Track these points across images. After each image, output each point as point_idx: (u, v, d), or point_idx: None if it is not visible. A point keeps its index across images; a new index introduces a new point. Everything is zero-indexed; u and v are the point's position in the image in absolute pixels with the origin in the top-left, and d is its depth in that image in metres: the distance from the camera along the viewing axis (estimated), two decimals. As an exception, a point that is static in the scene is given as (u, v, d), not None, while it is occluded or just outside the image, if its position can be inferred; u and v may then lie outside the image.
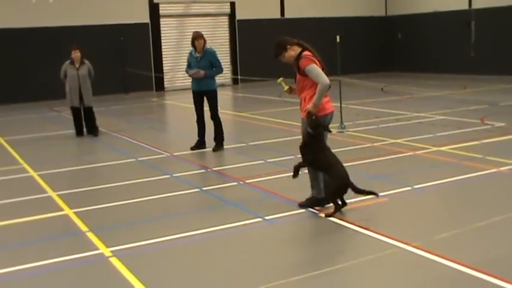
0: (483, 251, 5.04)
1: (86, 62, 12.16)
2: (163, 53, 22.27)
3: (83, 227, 6.09)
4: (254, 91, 20.44)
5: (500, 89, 17.56)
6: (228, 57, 23.17)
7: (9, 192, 7.77)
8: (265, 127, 12.41)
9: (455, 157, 8.60)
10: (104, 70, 18.67)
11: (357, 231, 5.63)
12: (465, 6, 22.89)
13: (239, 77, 22.99)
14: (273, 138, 10.84)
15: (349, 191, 6.13)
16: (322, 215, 6.12)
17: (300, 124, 6.53)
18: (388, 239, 5.31)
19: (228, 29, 23.52)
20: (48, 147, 11.28)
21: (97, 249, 5.44)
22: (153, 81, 22.03)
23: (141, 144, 10.92)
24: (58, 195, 7.43)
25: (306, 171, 6.47)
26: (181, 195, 7.26)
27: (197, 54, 9.70)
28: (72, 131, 12.37)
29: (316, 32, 22.33)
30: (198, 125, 10.09)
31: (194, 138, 10.13)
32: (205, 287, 4.57)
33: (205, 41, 9.69)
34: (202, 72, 9.61)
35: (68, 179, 8.59)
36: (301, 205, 6.39)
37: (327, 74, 6.16)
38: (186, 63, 10.08)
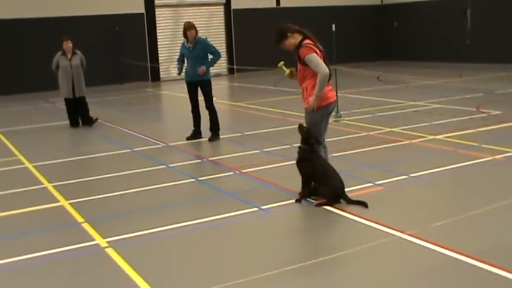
0: (479, 238, 5.05)
1: (78, 52, 12.10)
2: (158, 43, 22.17)
3: (79, 218, 6.08)
4: (250, 81, 20.39)
5: (496, 77, 17.54)
6: (224, 47, 23.07)
7: (4, 183, 7.74)
8: (261, 117, 12.38)
9: (451, 145, 8.60)
10: (99, 61, 18.64)
11: (353, 220, 5.63)
12: (461, -6, 22.86)
13: (235, 67, 22.91)
14: (269, 128, 10.81)
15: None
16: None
17: (302, 114, 6.43)
18: (385, 228, 5.31)
19: (223, 18, 23.42)
20: (43, 139, 11.24)
21: (93, 240, 5.43)
22: (149, 71, 21.95)
23: (137, 134, 10.90)
24: (53, 186, 7.42)
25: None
26: (177, 186, 7.25)
27: (189, 45, 9.67)
28: (67, 122, 12.33)
29: (311, 21, 21.97)
30: (193, 115, 10.07)
31: (190, 129, 10.11)
32: (201, 277, 4.56)
33: (197, 31, 9.66)
34: (203, 68, 9.59)
35: (63, 170, 8.57)
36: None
37: (328, 63, 6.07)
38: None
